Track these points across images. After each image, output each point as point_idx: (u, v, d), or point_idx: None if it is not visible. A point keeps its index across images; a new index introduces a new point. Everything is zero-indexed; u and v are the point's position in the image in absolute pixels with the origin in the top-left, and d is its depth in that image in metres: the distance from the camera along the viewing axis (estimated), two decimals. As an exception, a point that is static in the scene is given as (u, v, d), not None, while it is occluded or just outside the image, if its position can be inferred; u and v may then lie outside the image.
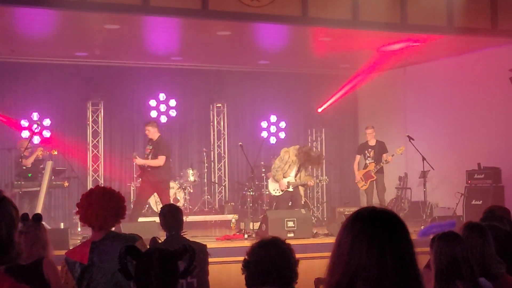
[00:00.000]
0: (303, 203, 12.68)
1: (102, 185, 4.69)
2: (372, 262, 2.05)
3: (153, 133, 11.93)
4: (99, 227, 4.45)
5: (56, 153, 12.28)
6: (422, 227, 12.31)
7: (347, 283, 2.07)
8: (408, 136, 13.06)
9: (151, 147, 11.90)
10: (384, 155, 13.18)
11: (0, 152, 13.89)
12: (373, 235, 2.08)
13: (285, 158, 12.34)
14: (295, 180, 12.34)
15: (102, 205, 4.41)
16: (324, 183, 15.66)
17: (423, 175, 13.04)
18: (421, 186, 13.14)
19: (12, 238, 2.43)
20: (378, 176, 13.18)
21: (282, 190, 12.33)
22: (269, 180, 12.87)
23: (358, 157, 13.56)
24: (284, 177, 12.30)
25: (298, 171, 12.34)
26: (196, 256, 3.30)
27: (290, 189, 12.34)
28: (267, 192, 14.22)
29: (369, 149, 13.35)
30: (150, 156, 11.80)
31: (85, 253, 4.39)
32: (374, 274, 2.04)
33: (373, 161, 13.23)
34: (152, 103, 15.57)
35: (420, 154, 12.71)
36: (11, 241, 2.42)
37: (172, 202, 11.87)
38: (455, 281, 3.63)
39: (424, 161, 12.70)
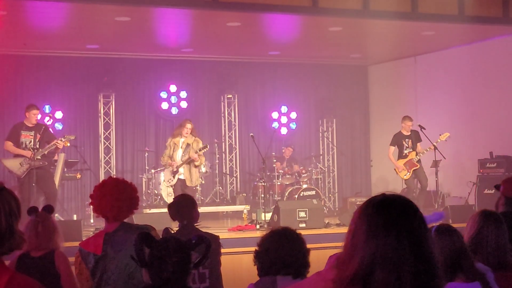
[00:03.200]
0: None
1: (115, 176, 4.68)
2: (389, 248, 2.04)
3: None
4: (112, 218, 4.45)
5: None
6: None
7: (365, 272, 2.05)
8: (419, 125, 13.02)
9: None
10: (432, 144, 12.94)
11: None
12: (388, 220, 2.07)
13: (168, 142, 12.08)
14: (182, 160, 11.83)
15: (116, 196, 4.40)
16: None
17: (435, 164, 13.00)
18: (433, 176, 13.09)
19: (12, 227, 2.46)
20: (419, 165, 13.07)
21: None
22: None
23: (392, 148, 13.30)
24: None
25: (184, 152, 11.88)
26: (211, 248, 3.32)
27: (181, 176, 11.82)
28: (279, 183, 14.26)
29: (406, 139, 13.15)
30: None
31: (99, 244, 4.40)
32: (393, 259, 2.03)
33: (412, 150, 13.09)
34: (163, 94, 15.62)
35: (432, 143, 12.68)
36: (11, 230, 2.46)
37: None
38: (456, 273, 3.63)
39: (436, 150, 12.66)
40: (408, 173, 12.99)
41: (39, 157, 10.71)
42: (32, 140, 10.74)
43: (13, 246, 2.47)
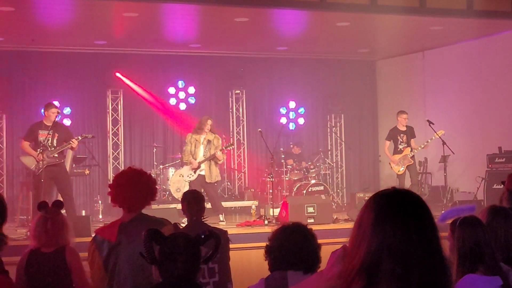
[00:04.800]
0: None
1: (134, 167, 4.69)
2: (397, 239, 2.02)
3: None
4: (128, 208, 4.46)
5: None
6: (443, 211, 12.29)
7: (371, 263, 2.03)
8: (427, 120, 12.99)
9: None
10: (428, 140, 12.97)
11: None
12: (397, 212, 2.06)
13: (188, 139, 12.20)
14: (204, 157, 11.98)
15: (132, 186, 4.41)
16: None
17: (443, 159, 12.98)
18: (441, 171, 13.07)
19: None
20: (413, 161, 13.14)
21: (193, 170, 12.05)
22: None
23: (388, 142, 13.41)
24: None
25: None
26: (220, 243, 3.32)
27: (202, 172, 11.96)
28: (287, 178, 14.26)
29: (401, 134, 13.23)
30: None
31: (114, 232, 4.40)
32: (400, 250, 2.01)
33: (406, 145, 13.15)
34: (171, 90, 15.62)
35: (440, 138, 12.66)
36: None
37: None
38: (477, 265, 3.64)
39: (444, 145, 12.64)
40: (402, 168, 13.09)
41: (56, 155, 10.84)
42: (50, 138, 10.83)
43: None
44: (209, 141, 11.96)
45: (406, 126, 13.28)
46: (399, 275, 1.99)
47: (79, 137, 11.15)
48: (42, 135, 10.83)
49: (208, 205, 12.79)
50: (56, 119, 10.95)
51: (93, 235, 4.55)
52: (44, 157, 10.66)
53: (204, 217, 5.86)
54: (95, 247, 4.43)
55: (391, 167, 13.31)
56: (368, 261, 2.03)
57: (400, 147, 13.19)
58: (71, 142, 10.87)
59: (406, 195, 2.12)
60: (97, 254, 4.40)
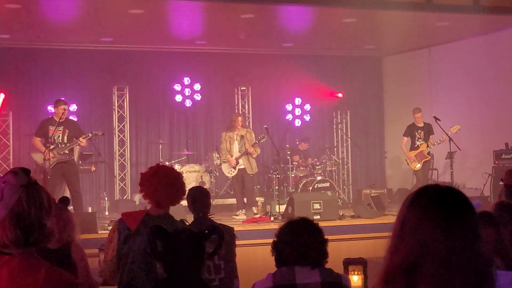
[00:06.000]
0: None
1: (164, 164, 4.91)
2: (439, 239, 1.94)
3: None
4: (160, 203, 4.60)
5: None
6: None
7: (411, 262, 1.95)
8: (434, 117, 12.96)
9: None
10: (443, 135, 12.90)
11: (29, 137, 14.01)
12: (440, 211, 1.99)
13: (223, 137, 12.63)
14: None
15: (172, 183, 4.57)
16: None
17: (450, 156, 12.94)
18: (448, 167, 13.04)
19: (41, 222, 2.52)
20: (430, 157, 13.09)
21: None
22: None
23: (405, 139, 13.36)
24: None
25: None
26: (224, 238, 3.32)
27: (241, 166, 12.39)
28: (293, 175, 14.24)
29: (419, 130, 13.20)
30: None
31: (137, 220, 4.53)
32: (442, 251, 1.93)
33: (423, 142, 13.12)
34: (177, 87, 15.62)
35: (447, 134, 12.63)
36: (40, 223, 2.51)
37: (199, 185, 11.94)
38: (495, 260, 3.66)
39: (451, 141, 12.60)
40: (419, 165, 13.03)
41: (66, 151, 10.97)
42: (61, 135, 10.91)
43: (41, 239, 2.52)
44: (242, 137, 12.39)
45: (424, 122, 13.22)
46: (440, 279, 1.92)
47: (89, 134, 11.26)
48: (53, 131, 10.91)
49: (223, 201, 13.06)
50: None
51: (119, 217, 4.68)
52: (54, 153, 10.76)
53: (211, 213, 5.86)
54: (116, 228, 4.58)
55: (408, 163, 13.24)
56: (408, 262, 1.96)
57: (418, 143, 13.14)
58: (79, 141, 10.93)
59: (451, 194, 2.05)
60: (116, 235, 4.55)
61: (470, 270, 1.93)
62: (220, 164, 13.85)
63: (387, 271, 1.99)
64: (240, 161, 12.32)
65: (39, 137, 11.03)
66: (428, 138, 13.16)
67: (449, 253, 1.93)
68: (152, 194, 4.59)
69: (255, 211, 12.19)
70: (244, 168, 12.32)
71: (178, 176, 4.67)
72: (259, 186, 15.00)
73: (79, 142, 10.96)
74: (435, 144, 12.98)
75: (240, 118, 12.49)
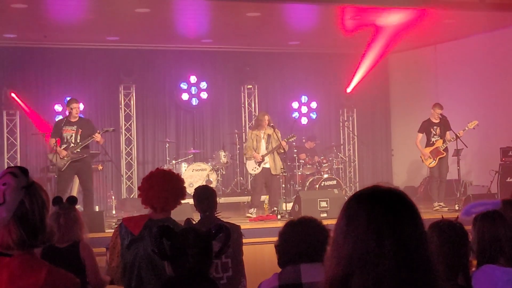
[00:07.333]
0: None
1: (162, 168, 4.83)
2: (368, 250, 1.74)
3: None
4: (160, 208, 4.55)
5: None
6: (457, 206, 12.25)
7: (343, 275, 1.77)
8: (440, 114, 12.91)
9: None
10: (460, 131, 12.72)
11: (35, 136, 14.07)
12: (370, 217, 1.78)
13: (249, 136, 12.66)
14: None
15: (162, 187, 4.51)
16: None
17: (457, 153, 12.89)
18: (454, 164, 12.98)
19: (44, 221, 2.52)
20: (446, 153, 12.87)
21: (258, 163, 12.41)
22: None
23: (420, 135, 13.04)
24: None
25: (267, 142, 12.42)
26: (230, 236, 3.33)
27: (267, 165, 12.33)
28: (300, 173, 14.24)
29: (435, 127, 12.93)
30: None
31: (139, 225, 4.50)
32: (371, 264, 1.74)
33: (439, 138, 12.89)
34: (183, 85, 15.64)
35: (453, 132, 12.58)
36: (43, 224, 2.52)
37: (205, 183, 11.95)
38: (498, 256, 3.67)
39: (458, 139, 12.56)
40: (434, 161, 12.74)
41: (78, 150, 11.03)
42: (74, 134, 10.99)
43: (45, 239, 2.53)
44: (269, 135, 12.33)
45: (440, 118, 12.92)
46: None
47: (100, 131, 11.32)
48: (66, 131, 11.01)
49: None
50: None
51: (119, 222, 4.66)
52: (68, 153, 10.86)
53: (217, 212, 5.87)
54: (118, 234, 4.56)
55: (422, 160, 13.07)
56: (340, 273, 1.78)
57: (433, 140, 12.83)
58: (94, 136, 11.01)
59: (386, 197, 1.83)
60: (119, 241, 4.53)
61: (404, 282, 1.75)
62: (227, 162, 13.86)
63: (324, 283, 1.84)
64: (266, 159, 12.27)
65: (54, 138, 11.10)
66: (445, 134, 12.84)
67: (379, 263, 1.75)
68: (145, 200, 4.56)
69: (281, 209, 11.98)
70: (268, 167, 12.25)
71: (171, 180, 4.59)
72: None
73: (94, 137, 11.05)
74: (451, 140, 12.68)
75: (267, 117, 12.41)
